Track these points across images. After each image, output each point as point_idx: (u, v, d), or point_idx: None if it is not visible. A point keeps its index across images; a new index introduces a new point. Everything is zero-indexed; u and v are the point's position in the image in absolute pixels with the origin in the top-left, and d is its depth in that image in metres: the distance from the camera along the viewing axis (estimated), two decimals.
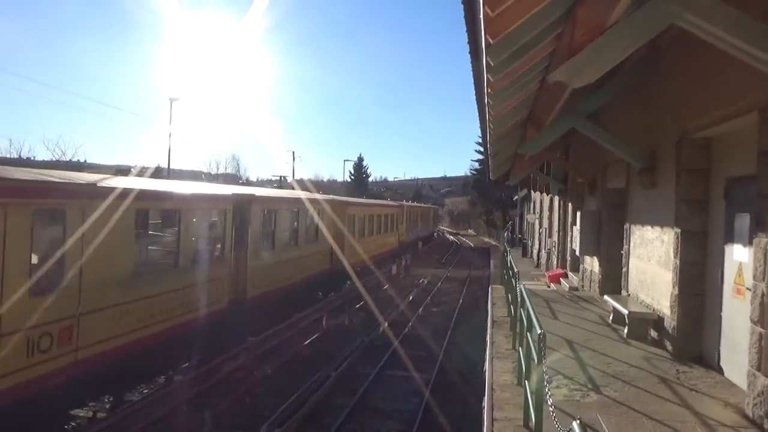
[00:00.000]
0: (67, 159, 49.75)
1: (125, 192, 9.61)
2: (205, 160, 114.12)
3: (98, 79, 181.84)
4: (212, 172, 74.79)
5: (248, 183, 66.44)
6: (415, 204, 56.63)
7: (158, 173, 22.95)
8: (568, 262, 17.51)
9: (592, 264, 13.98)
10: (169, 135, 40.46)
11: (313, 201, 20.77)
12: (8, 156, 47.35)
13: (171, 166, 35.87)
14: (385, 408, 11.26)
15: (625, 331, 9.38)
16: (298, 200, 19.48)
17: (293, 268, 18.08)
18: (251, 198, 15.31)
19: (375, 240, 31.12)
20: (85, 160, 56.14)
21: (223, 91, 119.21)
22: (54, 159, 49.30)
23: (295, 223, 18.96)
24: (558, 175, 18.91)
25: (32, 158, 49.75)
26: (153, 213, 12.55)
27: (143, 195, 10.39)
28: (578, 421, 2.76)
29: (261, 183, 77.85)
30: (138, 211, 10.27)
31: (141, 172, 17.73)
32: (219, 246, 13.75)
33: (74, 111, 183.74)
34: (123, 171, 16.56)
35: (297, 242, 18.90)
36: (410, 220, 45.28)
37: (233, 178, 73.71)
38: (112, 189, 9.33)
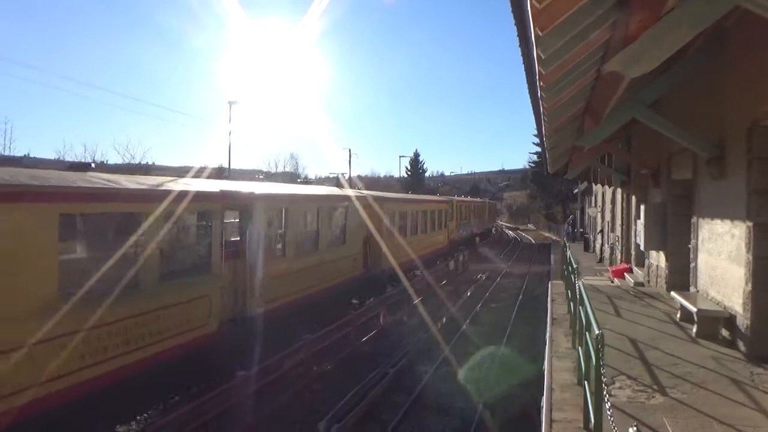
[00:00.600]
0: (137, 162, 52.09)
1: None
2: (265, 160, 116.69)
3: (163, 85, 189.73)
4: (272, 171, 76.57)
5: (306, 181, 67.55)
6: (467, 198, 53.25)
7: (220, 173, 23.59)
8: (632, 257, 16.88)
9: (658, 259, 13.41)
10: (229, 134, 41.60)
11: (338, 198, 18.46)
12: (83, 161, 50.00)
13: (231, 166, 37.00)
14: (442, 406, 11.21)
15: (694, 329, 8.94)
16: (319, 198, 17.26)
17: (313, 275, 15.67)
18: (251, 197, 12.82)
19: (418, 240, 28.11)
20: (153, 163, 58.77)
21: (281, 92, 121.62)
22: (124, 162, 51.73)
23: (315, 224, 16.43)
24: (620, 166, 18.23)
25: (105, 162, 52.42)
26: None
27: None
28: (635, 428, 2.64)
29: (319, 181, 79.04)
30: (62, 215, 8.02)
31: (199, 172, 17.78)
32: (203, 255, 11.35)
33: (142, 117, 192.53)
34: (185, 172, 17.14)
35: (318, 246, 16.31)
36: (461, 216, 41.78)
37: (292, 177, 75.19)
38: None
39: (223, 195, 11.75)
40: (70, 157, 50.88)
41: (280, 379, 11.55)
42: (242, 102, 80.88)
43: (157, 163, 61.35)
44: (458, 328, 17.05)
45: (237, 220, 13.22)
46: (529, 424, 9.00)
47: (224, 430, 9.30)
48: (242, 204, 12.60)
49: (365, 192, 23.33)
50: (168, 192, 9.87)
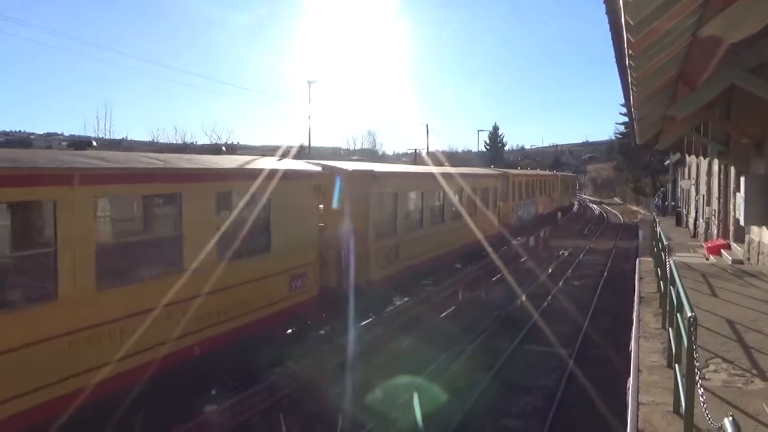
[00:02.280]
0: (223, 142, 54.39)
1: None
2: (343, 137, 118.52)
3: (243, 65, 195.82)
4: (350, 148, 77.66)
5: (383, 158, 68.01)
6: (530, 171, 43.31)
7: (301, 151, 24.09)
8: (730, 233, 15.84)
9: (760, 234, 12.50)
10: (309, 117, 42.67)
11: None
12: (174, 142, 52.91)
13: (312, 144, 37.92)
14: (523, 383, 11.12)
15: None
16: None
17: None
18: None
19: (442, 233, 18.35)
20: (238, 143, 61.13)
21: (359, 68, 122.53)
22: (212, 143, 54.14)
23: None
24: (717, 136, 17.01)
25: (194, 143, 55.12)
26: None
27: None
28: (731, 418, 2.52)
29: (397, 157, 79.33)
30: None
31: (286, 152, 18.14)
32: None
33: (225, 97, 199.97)
34: (271, 151, 17.65)
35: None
36: (521, 193, 32.14)
37: (370, 153, 75.93)
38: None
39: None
40: (163, 140, 53.92)
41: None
42: (321, 80, 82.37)
43: (241, 143, 63.72)
44: (539, 304, 16.76)
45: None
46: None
47: None
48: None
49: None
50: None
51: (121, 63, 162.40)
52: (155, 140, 53.10)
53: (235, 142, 58.24)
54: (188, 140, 53.92)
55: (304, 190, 11.44)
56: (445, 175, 19.14)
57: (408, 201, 16.60)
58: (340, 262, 12.51)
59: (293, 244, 10.84)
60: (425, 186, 17.42)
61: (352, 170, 13.66)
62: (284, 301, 10.65)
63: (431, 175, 18.40)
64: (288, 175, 10.74)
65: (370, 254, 13.44)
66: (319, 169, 12.38)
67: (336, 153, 70.51)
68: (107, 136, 44.27)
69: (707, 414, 3.49)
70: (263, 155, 14.70)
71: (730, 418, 2.60)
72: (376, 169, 14.86)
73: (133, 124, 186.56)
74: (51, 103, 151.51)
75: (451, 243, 19.00)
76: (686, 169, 30.65)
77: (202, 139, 58.00)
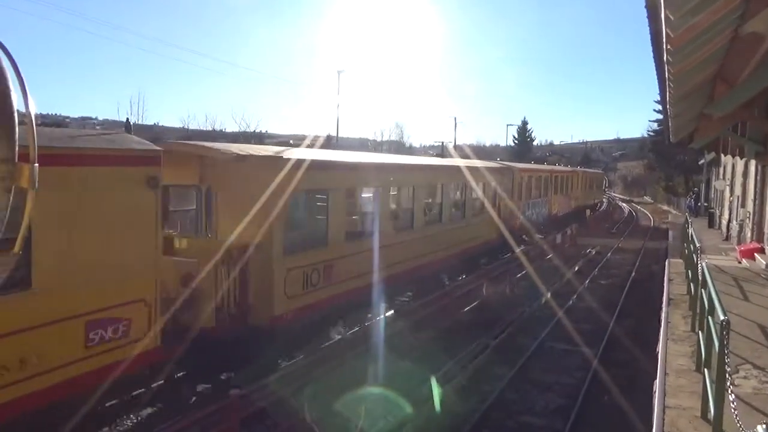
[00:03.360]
0: (251, 130, 54.86)
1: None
2: (371, 129, 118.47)
3: (272, 53, 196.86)
4: (377, 140, 77.68)
5: (410, 150, 67.82)
6: (542, 167, 35.69)
7: (328, 141, 24.01)
8: (765, 236, 15.39)
9: None
10: (337, 106, 42.81)
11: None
12: (204, 129, 53.60)
13: (339, 135, 38.01)
14: (545, 380, 11.02)
15: None
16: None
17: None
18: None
19: (414, 243, 14.39)
20: (266, 131, 61.69)
21: (388, 59, 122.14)
22: (240, 130, 54.69)
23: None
24: (755, 135, 16.51)
25: (223, 130, 55.76)
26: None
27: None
28: (765, 426, 2.45)
29: (423, 149, 79.06)
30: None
31: (313, 142, 18.10)
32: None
33: (255, 85, 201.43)
34: (298, 140, 17.72)
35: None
36: (530, 191, 27.39)
37: (398, 146, 75.84)
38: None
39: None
40: (193, 126, 54.66)
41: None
42: (350, 70, 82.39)
43: (269, 131, 64.28)
44: (564, 303, 16.57)
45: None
46: None
47: None
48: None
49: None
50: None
51: (153, 49, 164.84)
52: (186, 126, 53.87)
53: (263, 131, 58.75)
54: (218, 127, 54.55)
55: (123, 184, 7.23)
56: (417, 167, 16.14)
57: (351, 201, 12.63)
58: (215, 292, 8.53)
59: (94, 271, 6.78)
60: (381, 181, 13.18)
61: (240, 155, 9.65)
62: (72, 366, 6.64)
63: (394, 167, 14.65)
64: (82, 156, 6.82)
65: (274, 277, 9.48)
66: (153, 147, 7.86)
67: (363, 144, 70.63)
68: (140, 121, 45.13)
69: (738, 421, 3.40)
70: (291, 145, 14.73)
71: (764, 426, 2.53)
72: (286, 155, 10.32)
73: (165, 110, 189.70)
74: (85, 87, 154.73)
75: (424, 255, 14.71)
76: (721, 169, 29.84)
77: (231, 127, 58.60)
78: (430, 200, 16.23)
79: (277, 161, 9.90)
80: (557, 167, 39.98)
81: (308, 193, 10.93)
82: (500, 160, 35.95)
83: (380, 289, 12.27)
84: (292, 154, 10.76)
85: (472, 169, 18.77)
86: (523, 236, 24.72)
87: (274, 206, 9.22)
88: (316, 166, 10.69)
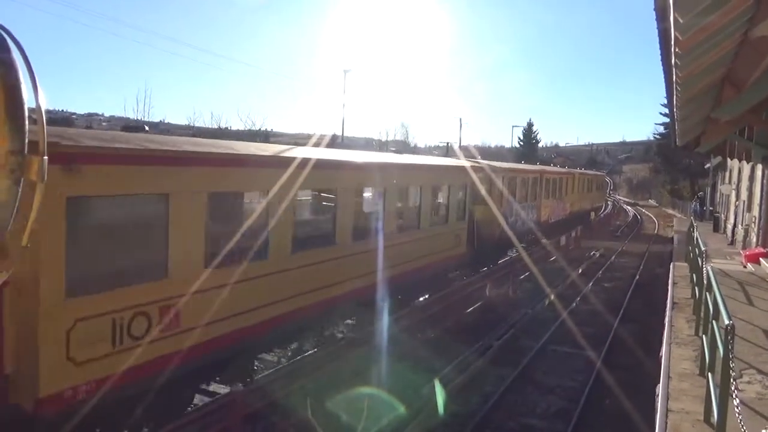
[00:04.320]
0: (257, 129, 54.87)
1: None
2: (376, 128, 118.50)
3: (279, 53, 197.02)
4: (383, 140, 77.66)
5: (415, 150, 67.72)
6: (534, 167, 29.36)
7: (334, 141, 24.01)
8: None
9: None
10: (343, 106, 42.66)
11: None
12: (210, 127, 53.67)
13: (345, 134, 38.03)
14: (547, 383, 11.00)
15: None
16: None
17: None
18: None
19: (334, 266, 10.16)
20: (272, 130, 61.70)
21: (395, 59, 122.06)
22: (246, 129, 54.73)
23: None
24: (762, 140, 16.44)
25: (229, 128, 55.81)
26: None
27: None
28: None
29: (428, 150, 78.93)
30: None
31: (318, 141, 18.09)
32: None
33: (260, 82, 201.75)
34: (304, 139, 17.77)
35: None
36: (512, 195, 22.43)
37: (403, 145, 75.79)
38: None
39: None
40: (199, 124, 54.72)
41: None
42: (356, 69, 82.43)
43: (274, 130, 64.31)
44: (568, 305, 16.53)
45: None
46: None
47: None
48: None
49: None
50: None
51: (160, 46, 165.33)
52: (191, 124, 53.93)
53: (269, 129, 58.81)
54: (223, 125, 54.59)
55: None
56: (346, 166, 10.91)
57: (211, 210, 7.59)
58: None
59: None
60: (269, 182, 8.54)
61: None
62: None
63: (295, 163, 8.93)
64: None
65: (44, 332, 5.77)
66: None
67: (369, 144, 70.61)
68: (146, 118, 45.24)
69: (742, 425, 3.39)
70: (296, 144, 14.71)
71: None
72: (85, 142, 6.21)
73: (171, 108, 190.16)
74: (92, 84, 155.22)
75: (344, 281, 10.36)
76: (727, 174, 29.73)
77: (236, 125, 58.67)
78: (366, 208, 11.96)
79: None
80: (548, 167, 34.62)
81: (97, 203, 6.41)
82: (503, 160, 34.59)
83: (276, 334, 8.77)
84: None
85: (439, 169, 15.57)
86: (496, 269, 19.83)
87: (49, 216, 5.54)
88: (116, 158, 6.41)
